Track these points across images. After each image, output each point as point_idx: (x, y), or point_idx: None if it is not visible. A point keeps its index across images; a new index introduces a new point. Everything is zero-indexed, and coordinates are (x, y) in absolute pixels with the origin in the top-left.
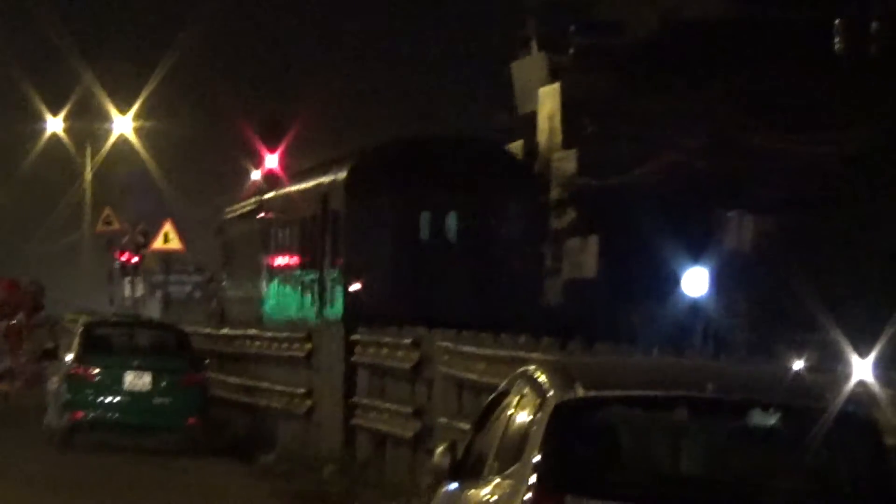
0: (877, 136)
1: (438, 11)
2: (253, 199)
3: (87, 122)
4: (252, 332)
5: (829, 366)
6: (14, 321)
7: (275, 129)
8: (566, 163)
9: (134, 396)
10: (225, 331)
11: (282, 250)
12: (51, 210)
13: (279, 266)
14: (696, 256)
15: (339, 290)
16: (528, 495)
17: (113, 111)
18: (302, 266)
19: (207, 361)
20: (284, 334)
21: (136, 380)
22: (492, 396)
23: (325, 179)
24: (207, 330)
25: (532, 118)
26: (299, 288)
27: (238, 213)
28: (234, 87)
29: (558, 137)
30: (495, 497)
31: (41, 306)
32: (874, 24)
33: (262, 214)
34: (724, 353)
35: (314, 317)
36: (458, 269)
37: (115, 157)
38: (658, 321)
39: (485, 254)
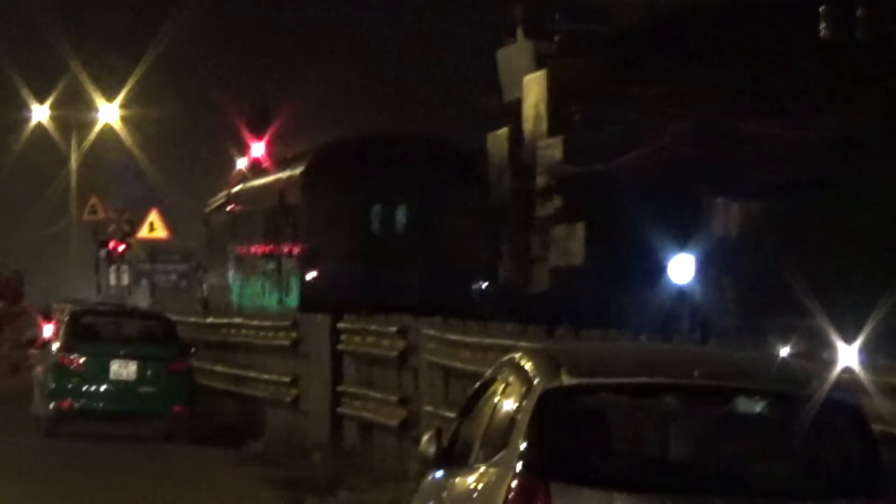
0: (863, 121)
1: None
2: (223, 193)
3: (74, 111)
4: (238, 320)
5: (816, 352)
6: None
7: (262, 116)
8: (552, 150)
9: (120, 385)
10: (211, 319)
11: (246, 241)
12: (37, 198)
13: (244, 256)
14: (682, 243)
15: (295, 279)
16: (514, 482)
17: (99, 99)
18: (264, 256)
19: (194, 350)
20: (270, 323)
21: (122, 368)
22: (478, 384)
23: (284, 174)
24: (193, 319)
25: (518, 106)
26: (262, 277)
27: (216, 204)
28: (221, 75)
29: (544, 125)
30: (481, 484)
31: (21, 295)
32: (860, 10)
33: (230, 207)
34: (712, 339)
35: (275, 305)
36: (406, 258)
37: (102, 145)
38: (645, 307)
39: (431, 243)
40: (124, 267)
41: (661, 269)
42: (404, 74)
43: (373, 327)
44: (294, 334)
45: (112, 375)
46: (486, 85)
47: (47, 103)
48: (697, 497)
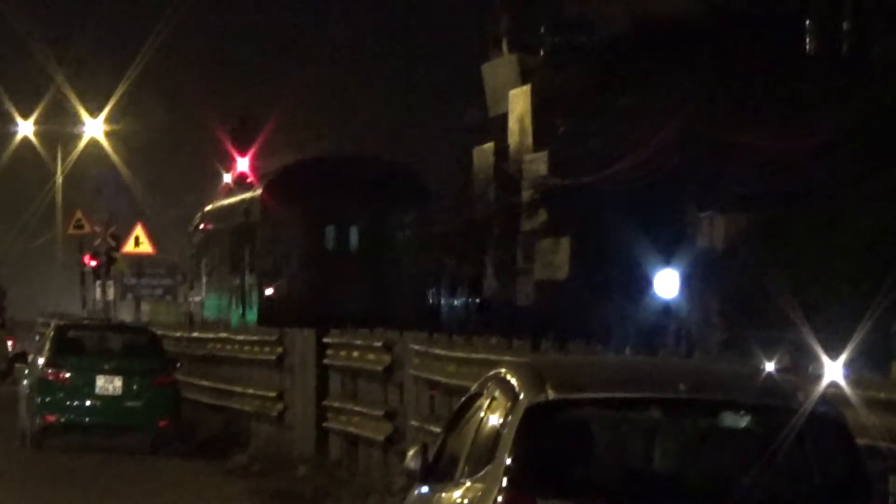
0: (846, 132)
1: (413, 10)
2: (199, 214)
3: (59, 125)
4: (223, 335)
5: (801, 365)
6: None
7: (246, 130)
8: (537, 164)
9: (106, 399)
10: (196, 334)
11: (216, 258)
12: (23, 212)
13: (213, 273)
14: (667, 257)
15: (255, 295)
16: (500, 497)
17: (84, 114)
18: (230, 273)
19: (179, 364)
20: (256, 337)
21: (108, 383)
22: (463, 399)
23: (246, 195)
24: (179, 333)
25: (503, 120)
26: (228, 293)
27: (197, 221)
28: (206, 90)
29: (529, 139)
30: (467, 499)
31: (2, 308)
32: (846, 23)
33: (203, 225)
34: (697, 352)
35: (237, 319)
36: (358, 275)
37: (87, 159)
38: (630, 321)
39: (381, 260)
40: (110, 281)
41: (646, 283)
42: (390, 88)
43: (358, 342)
44: (279, 349)
45: (98, 390)
46: (472, 99)
47: (32, 118)
48: None
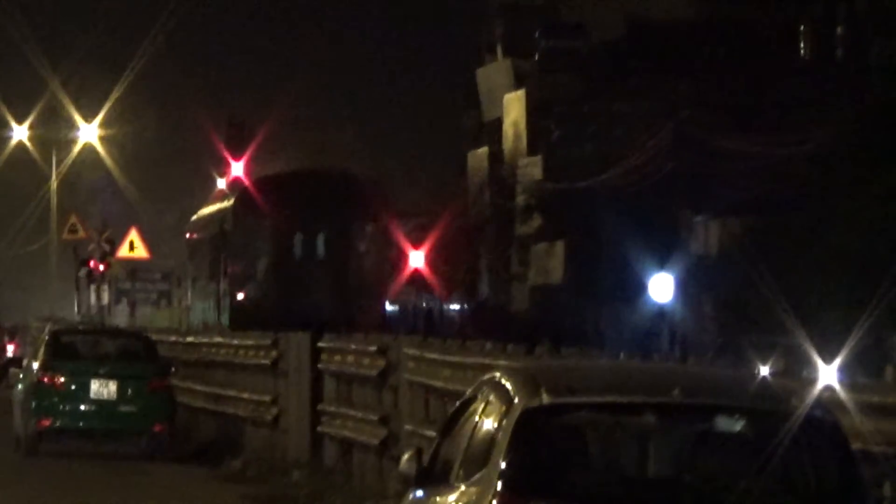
0: (841, 138)
1: (407, 16)
2: (188, 223)
3: (53, 130)
4: (218, 339)
5: (796, 369)
6: None
7: (240, 135)
8: (532, 168)
9: (100, 404)
10: (191, 338)
11: (199, 266)
12: (18, 217)
13: (198, 279)
14: (662, 261)
15: (227, 299)
16: (495, 501)
17: (78, 119)
18: (209, 279)
19: (174, 369)
20: (250, 342)
21: (103, 387)
22: (458, 403)
23: (222, 205)
24: (173, 337)
25: (498, 124)
26: (208, 298)
27: (186, 231)
28: (201, 95)
29: (524, 143)
30: None
31: None
32: (839, 29)
33: (188, 234)
34: (691, 356)
35: (214, 323)
36: (324, 280)
37: (82, 164)
38: (625, 325)
39: (346, 267)
40: (105, 286)
41: (641, 287)
42: (385, 92)
43: (353, 346)
44: (274, 353)
45: (92, 394)
46: (466, 103)
47: (27, 123)
48: None
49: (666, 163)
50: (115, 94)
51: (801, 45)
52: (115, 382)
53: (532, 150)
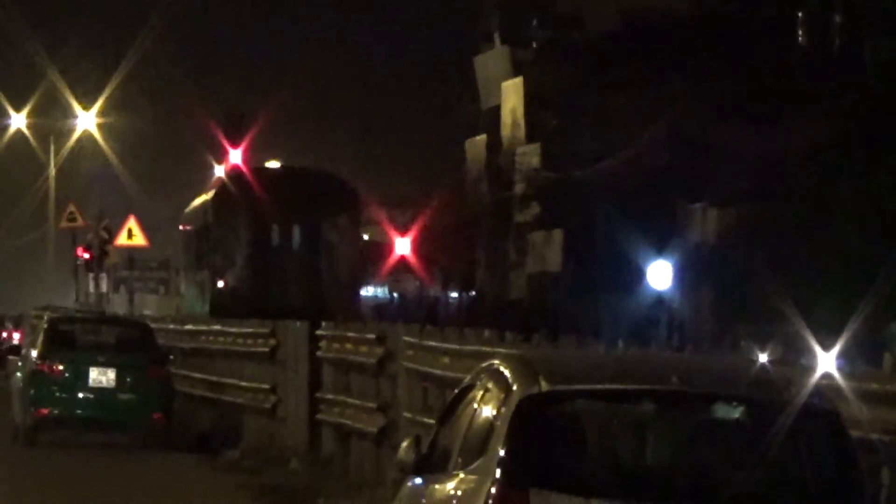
0: (837, 129)
1: (404, 6)
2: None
3: (51, 119)
4: (216, 327)
5: (794, 358)
6: None
7: (238, 124)
8: (530, 157)
9: (99, 392)
10: (189, 326)
11: (187, 255)
12: (15, 205)
13: (188, 269)
14: (660, 249)
15: (208, 288)
16: (493, 489)
17: (77, 107)
18: (194, 269)
19: (172, 357)
20: (248, 330)
21: (101, 376)
22: (456, 391)
23: (206, 198)
24: (171, 325)
25: (496, 112)
26: (193, 287)
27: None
28: (198, 83)
29: (522, 131)
30: (460, 492)
31: None
32: (837, 18)
33: (181, 226)
34: (689, 345)
35: (198, 311)
36: (299, 271)
37: (80, 153)
38: (623, 313)
39: (318, 258)
40: (103, 274)
41: (639, 275)
42: (381, 80)
43: (351, 334)
44: (272, 341)
45: (91, 382)
46: (464, 92)
47: (24, 111)
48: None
49: (661, 155)
50: (113, 82)
51: (798, 33)
52: (114, 370)
53: (530, 138)
